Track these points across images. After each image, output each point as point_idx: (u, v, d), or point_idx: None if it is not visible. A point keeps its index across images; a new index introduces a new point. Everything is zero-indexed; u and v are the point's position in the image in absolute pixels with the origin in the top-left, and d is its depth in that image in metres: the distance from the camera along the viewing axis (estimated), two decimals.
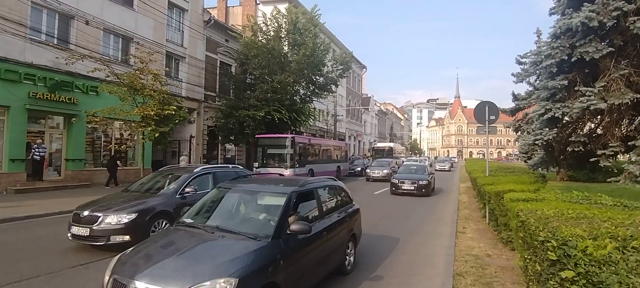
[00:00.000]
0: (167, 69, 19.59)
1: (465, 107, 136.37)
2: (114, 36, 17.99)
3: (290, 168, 19.18)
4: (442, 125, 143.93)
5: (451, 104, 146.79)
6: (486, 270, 6.13)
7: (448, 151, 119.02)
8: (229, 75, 25.09)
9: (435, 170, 27.76)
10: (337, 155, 27.01)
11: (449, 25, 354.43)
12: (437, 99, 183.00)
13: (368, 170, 25.79)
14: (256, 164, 20.09)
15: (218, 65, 24.89)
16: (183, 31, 22.17)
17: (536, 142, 9.48)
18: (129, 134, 18.25)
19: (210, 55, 24.02)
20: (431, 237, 8.94)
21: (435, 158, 59.56)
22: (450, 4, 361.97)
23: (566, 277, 3.13)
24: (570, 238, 3.19)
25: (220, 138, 24.05)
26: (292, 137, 19.97)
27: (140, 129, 14.44)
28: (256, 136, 20.65)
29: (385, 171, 24.57)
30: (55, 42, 15.32)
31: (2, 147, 14.18)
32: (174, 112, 14.88)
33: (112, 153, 17.76)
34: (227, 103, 23.10)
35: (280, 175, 15.10)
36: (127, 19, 18.28)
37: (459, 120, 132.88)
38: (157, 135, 14.44)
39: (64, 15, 15.78)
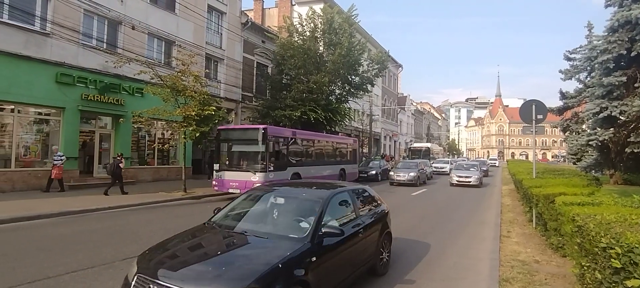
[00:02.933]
0: (207, 70, 20.17)
1: (507, 106, 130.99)
2: (158, 40, 18.78)
3: (260, 171, 13.58)
4: (481, 125, 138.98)
5: (491, 102, 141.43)
6: (535, 276, 5.80)
7: (488, 152, 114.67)
8: (265, 76, 25.51)
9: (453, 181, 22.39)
10: (340, 155, 21.48)
11: (489, 20, 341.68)
12: (477, 98, 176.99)
13: (392, 173, 22.77)
14: (216, 166, 14.62)
15: (255, 66, 25.36)
16: (221, 33, 22.77)
17: (590, 143, 8.87)
18: (171, 134, 18.98)
19: (247, 57, 24.51)
20: (473, 241, 8.61)
21: (452, 162, 34.11)
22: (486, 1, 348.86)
23: (632, 287, 2.90)
24: (637, 245, 2.94)
25: None
26: (263, 128, 14.09)
27: (182, 129, 14.95)
28: (218, 128, 15.54)
29: (412, 174, 21.65)
30: (105, 47, 16.20)
31: (58, 146, 15.15)
32: (213, 112, 15.29)
33: (118, 157, 14.61)
34: (263, 103, 23.49)
35: (246, 183, 13.08)
36: (169, 23, 19.02)
37: (500, 119, 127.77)
38: (197, 134, 14.91)
39: (112, 21, 16.65)
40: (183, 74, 14.73)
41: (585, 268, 3.79)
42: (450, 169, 26.84)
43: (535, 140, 12.60)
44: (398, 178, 21.76)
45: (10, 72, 13.22)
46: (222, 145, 15.17)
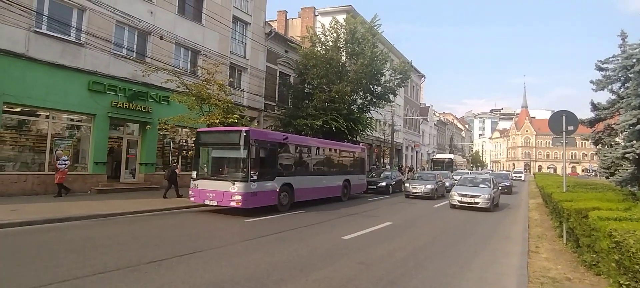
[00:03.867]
0: (231, 79, 20.56)
1: (533, 117, 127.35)
2: (184, 49, 19.30)
3: (240, 181, 11.54)
4: (507, 136, 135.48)
5: (517, 114, 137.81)
6: None
7: (513, 164, 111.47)
8: (287, 85, 25.77)
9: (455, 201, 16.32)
10: (345, 165, 18.89)
11: (514, 29, 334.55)
12: (502, 109, 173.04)
13: (407, 185, 21.24)
14: (194, 174, 12.72)
15: (277, 75, 25.66)
16: (245, 43, 23.19)
17: (625, 156, 8.47)
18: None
19: (270, 66, 24.84)
20: (499, 255, 8.32)
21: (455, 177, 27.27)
22: (514, 8, 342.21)
23: None
24: None
25: None
26: (245, 131, 11.91)
27: None
28: (197, 130, 13.71)
29: (429, 186, 20.03)
30: (134, 56, 16.77)
31: (88, 151, 15.71)
32: (237, 120, 15.55)
33: (173, 163, 17.28)
34: (285, 112, 23.69)
35: (224, 194, 11.53)
36: (195, 33, 19.53)
37: (527, 131, 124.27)
38: None
39: (142, 32, 17.24)
40: (208, 83, 15.08)
41: (623, 286, 3.58)
42: (451, 185, 21.15)
43: (565, 153, 12.13)
44: (414, 190, 20.20)
45: (47, 80, 13.86)
46: (201, 150, 13.16)
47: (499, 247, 9.28)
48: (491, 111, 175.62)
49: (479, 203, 15.43)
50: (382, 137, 38.30)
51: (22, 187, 13.37)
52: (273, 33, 24.79)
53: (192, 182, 12.57)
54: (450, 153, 60.89)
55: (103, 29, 15.38)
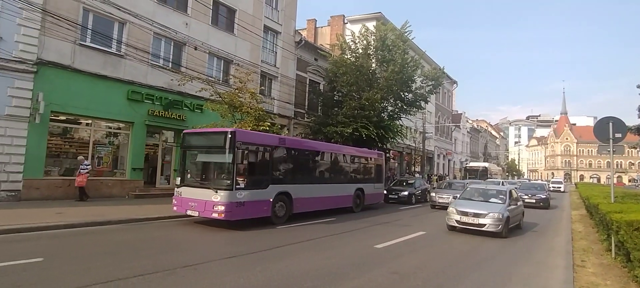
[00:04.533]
0: (262, 87, 20.88)
1: (574, 124, 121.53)
2: (217, 59, 19.82)
3: (224, 190, 10.11)
4: (545, 144, 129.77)
5: (556, 120, 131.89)
6: None
7: (553, 173, 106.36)
8: (317, 93, 25.88)
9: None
10: (359, 171, 17.17)
11: (551, 33, 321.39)
12: (539, 116, 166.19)
13: (433, 194, 19.85)
14: (177, 181, 11.64)
15: (307, 83, 25.84)
16: (276, 52, 23.53)
17: None
18: None
19: (300, 74, 25.06)
20: (543, 269, 7.88)
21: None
22: (551, 10, 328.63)
23: None
24: None
25: None
26: (231, 133, 10.49)
27: None
28: (183, 132, 12.25)
29: (457, 196, 15.36)
30: (170, 66, 17.38)
31: (126, 158, 16.35)
32: (268, 128, 15.70)
33: None
34: (315, 119, 23.76)
35: (206, 204, 10.19)
36: (228, 43, 20.02)
37: (567, 139, 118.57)
38: None
39: (178, 43, 17.86)
40: (240, 91, 15.36)
41: None
42: (450, 199, 17.21)
43: (613, 161, 11.42)
44: (441, 200, 18.46)
45: (90, 90, 14.58)
46: (187, 154, 11.75)
47: (542, 259, 8.81)
48: (527, 118, 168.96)
49: (485, 225, 11.07)
50: (413, 144, 37.65)
51: (65, 191, 14.06)
52: (303, 41, 25.04)
53: (175, 189, 11.45)
54: (484, 161, 58.96)
55: (142, 40, 16.06)
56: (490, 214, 11.06)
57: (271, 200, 11.27)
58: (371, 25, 25.39)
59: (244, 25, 20.21)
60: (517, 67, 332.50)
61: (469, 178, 34.43)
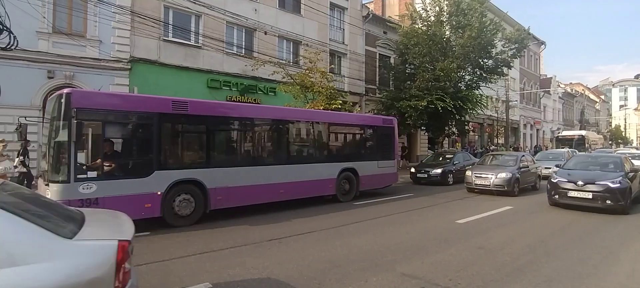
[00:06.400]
0: (331, 66, 20.83)
1: None
2: (286, 41, 20.16)
3: (58, 182, 6.94)
4: None
5: None
6: None
7: None
8: (388, 67, 25.13)
9: None
10: (344, 146, 13.03)
11: None
12: None
13: (469, 173, 14.33)
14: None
15: (377, 57, 25.19)
16: (343, 29, 23.23)
17: None
18: None
19: (369, 49, 24.51)
20: None
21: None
22: None
23: None
24: None
25: None
26: (66, 95, 7.06)
27: None
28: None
29: (502, 175, 13.19)
30: (243, 52, 18.10)
31: None
32: (340, 106, 15.70)
33: None
34: (387, 94, 23.13)
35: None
36: (296, 24, 20.22)
37: None
38: None
39: (249, 29, 18.49)
40: (310, 71, 15.49)
41: None
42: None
43: None
44: (479, 181, 13.69)
45: (175, 81, 15.78)
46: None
47: None
48: (636, 77, 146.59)
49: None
50: (495, 115, 34.89)
51: None
52: (370, 15, 24.35)
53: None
54: (580, 129, 52.63)
55: (216, 30, 16.90)
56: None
57: (160, 193, 7.79)
58: None
59: (311, 5, 20.19)
60: (618, 19, 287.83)
61: (561, 148, 30.92)
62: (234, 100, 17.40)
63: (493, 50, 22.36)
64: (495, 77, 23.85)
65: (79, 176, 6.94)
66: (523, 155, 15.75)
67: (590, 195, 9.73)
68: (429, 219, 9.21)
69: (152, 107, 8.04)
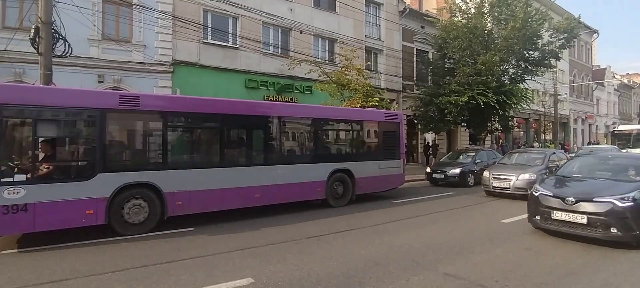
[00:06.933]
0: (368, 63, 20.62)
1: None
2: (322, 39, 20.17)
3: None
4: None
5: None
6: None
7: None
8: (426, 62, 24.53)
9: None
10: (334, 143, 11.50)
11: None
12: None
13: (487, 174, 12.68)
14: None
15: (414, 53, 24.67)
16: (379, 25, 22.91)
17: None
18: None
19: (406, 45, 24.02)
20: None
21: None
22: None
23: None
24: None
25: (420, 127, 23.83)
26: None
27: None
28: None
29: (524, 177, 11.66)
30: (279, 52, 18.31)
31: None
32: (377, 103, 15.50)
33: None
34: (426, 91, 22.57)
35: None
36: (331, 22, 20.18)
37: None
38: None
39: (284, 29, 18.69)
40: (346, 69, 15.40)
41: None
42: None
43: None
44: (497, 184, 12.06)
45: (214, 82, 16.22)
46: None
47: None
48: None
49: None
50: (542, 109, 33.06)
51: None
52: (407, 10, 23.83)
53: None
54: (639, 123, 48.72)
55: (252, 31, 17.22)
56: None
57: (105, 198, 6.98)
58: None
59: (346, 2, 20.08)
60: None
61: (617, 144, 28.75)
62: (270, 100, 17.69)
63: (539, 41, 21.18)
64: (542, 69, 22.57)
65: (3, 179, 6.17)
66: (553, 153, 13.84)
67: (584, 219, 6.27)
68: (472, 218, 8.88)
69: (94, 103, 7.15)
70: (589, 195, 6.46)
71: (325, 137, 11.19)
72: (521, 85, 22.38)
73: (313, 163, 10.09)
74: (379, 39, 22.80)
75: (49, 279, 4.90)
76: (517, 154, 14.95)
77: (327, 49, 20.42)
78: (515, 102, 21.49)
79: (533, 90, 27.08)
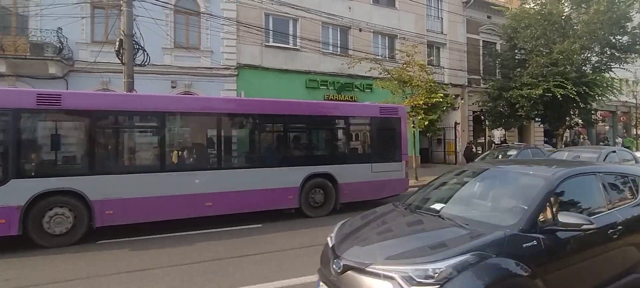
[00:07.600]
0: (430, 58, 19.89)
1: None
2: (381, 36, 19.79)
3: None
4: None
5: None
6: None
7: None
8: (494, 55, 23.03)
9: None
10: (314, 144, 9.83)
11: None
12: None
13: None
14: None
15: (481, 45, 23.30)
16: (442, 18, 21.98)
17: None
18: None
19: (471, 37, 22.77)
20: None
21: None
22: None
23: None
24: None
25: (487, 123, 22.44)
26: None
27: (410, 119, 15.12)
28: None
29: None
30: (339, 51, 18.29)
31: None
32: (441, 100, 14.88)
33: None
34: (494, 85, 21.17)
35: None
36: (391, 18, 19.71)
37: None
38: (426, 123, 14.86)
39: (343, 28, 18.62)
40: (408, 65, 14.93)
41: None
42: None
43: None
44: None
45: (276, 84, 16.61)
46: None
47: None
48: None
49: None
50: (633, 101, 29.47)
51: None
52: (472, 0, 22.58)
53: None
54: None
55: (312, 32, 17.38)
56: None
57: (19, 206, 6.33)
58: None
59: None
60: None
61: None
62: (331, 99, 17.68)
63: (629, 24, 18.87)
64: (633, 55, 20.11)
65: None
66: (612, 152, 11.14)
67: None
68: None
69: (6, 102, 6.44)
70: (366, 259, 3.10)
71: (298, 137, 9.57)
72: (607, 75, 20.11)
73: (282, 167, 8.69)
74: (442, 32, 21.87)
75: None
76: (567, 151, 12.14)
77: (387, 45, 20.01)
78: (600, 93, 19.34)
79: (621, 80, 24.20)
